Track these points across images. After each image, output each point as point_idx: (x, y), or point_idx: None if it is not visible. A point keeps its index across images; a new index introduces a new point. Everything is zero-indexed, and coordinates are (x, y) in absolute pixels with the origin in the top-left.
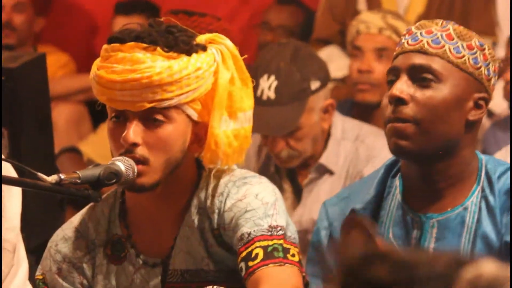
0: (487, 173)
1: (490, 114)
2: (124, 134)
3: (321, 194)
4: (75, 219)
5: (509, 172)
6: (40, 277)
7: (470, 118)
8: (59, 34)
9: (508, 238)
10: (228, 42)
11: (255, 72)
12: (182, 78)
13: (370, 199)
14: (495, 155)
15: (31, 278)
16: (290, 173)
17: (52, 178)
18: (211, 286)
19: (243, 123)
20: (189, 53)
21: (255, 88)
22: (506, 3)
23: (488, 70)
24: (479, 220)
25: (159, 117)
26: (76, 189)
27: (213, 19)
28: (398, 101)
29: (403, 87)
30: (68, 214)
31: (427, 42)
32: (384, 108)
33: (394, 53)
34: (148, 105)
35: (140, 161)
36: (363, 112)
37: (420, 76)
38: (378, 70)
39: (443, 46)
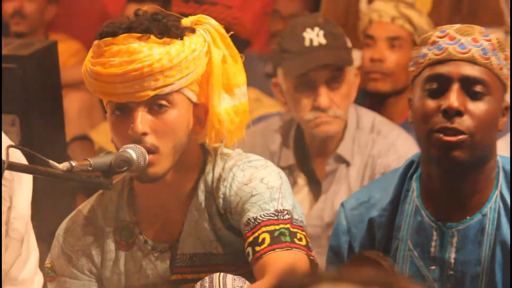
0: (505, 175)
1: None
2: (132, 125)
3: (341, 187)
4: (83, 207)
5: None
6: (49, 265)
7: (500, 128)
8: (70, 22)
9: None
10: (213, 21)
11: (293, 31)
12: (181, 61)
13: (386, 205)
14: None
15: (42, 265)
16: (306, 165)
17: (64, 166)
18: (218, 274)
19: (240, 98)
20: (181, 37)
21: (302, 41)
22: None
23: (508, 71)
24: (498, 226)
25: (163, 103)
26: (88, 176)
27: (224, 7)
28: (456, 113)
29: (460, 98)
30: (79, 201)
31: (477, 52)
32: (426, 115)
33: (434, 56)
34: (152, 93)
35: (150, 150)
36: (375, 101)
37: (473, 87)
38: (391, 59)
39: (490, 57)
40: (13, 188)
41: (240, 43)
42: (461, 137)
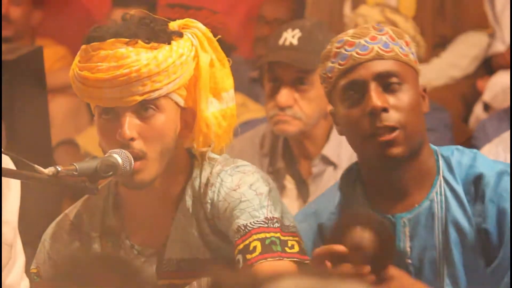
0: (445, 161)
1: (487, 107)
2: (120, 130)
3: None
4: (70, 212)
5: (477, 162)
6: (35, 270)
7: (424, 110)
8: (56, 27)
9: (487, 226)
10: (200, 25)
11: (279, 29)
12: (169, 66)
13: (333, 209)
14: (485, 147)
15: (28, 271)
16: (292, 167)
17: (49, 170)
18: (207, 278)
19: (228, 103)
20: (169, 42)
21: (278, 39)
22: None
23: (415, 57)
24: (447, 208)
25: (151, 108)
26: (73, 181)
27: (209, 12)
28: (382, 111)
29: (380, 96)
30: (65, 206)
31: (379, 48)
32: (353, 124)
33: (339, 67)
34: (140, 98)
35: (138, 156)
36: None
37: (387, 81)
38: None
39: (392, 48)
40: (2, 193)
41: (226, 48)
42: (395, 133)
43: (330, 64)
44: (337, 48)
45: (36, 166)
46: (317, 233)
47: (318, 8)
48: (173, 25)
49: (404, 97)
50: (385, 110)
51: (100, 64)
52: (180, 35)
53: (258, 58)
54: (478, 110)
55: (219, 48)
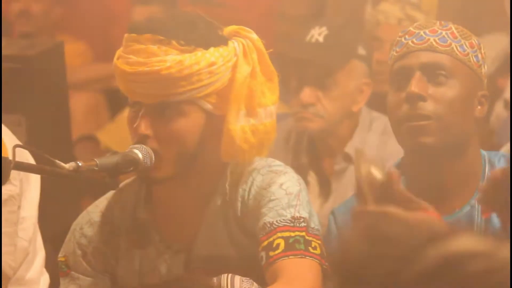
0: (491, 168)
1: (508, 105)
2: (135, 125)
3: (351, 187)
4: (101, 203)
5: (503, 159)
6: (63, 259)
7: (476, 114)
8: (76, 23)
9: None
10: (253, 35)
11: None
12: (193, 73)
13: None
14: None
15: (48, 266)
16: (315, 163)
17: (70, 165)
18: (226, 275)
19: (263, 119)
20: (206, 47)
21: (305, 36)
22: None
23: (485, 68)
24: (488, 217)
25: (170, 110)
26: (94, 176)
27: (231, 9)
28: (418, 98)
29: (420, 84)
30: (85, 202)
31: (435, 41)
32: (393, 107)
33: (395, 54)
34: (156, 100)
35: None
36: (381, 102)
37: (434, 73)
38: None
39: (450, 44)
40: (22, 188)
41: None
42: (425, 122)
43: (391, 52)
44: (400, 36)
45: (57, 161)
46: None
47: (339, 5)
48: (226, 31)
49: (448, 91)
50: (422, 98)
51: (131, 56)
52: (225, 42)
53: (278, 55)
54: (498, 108)
55: (269, 62)
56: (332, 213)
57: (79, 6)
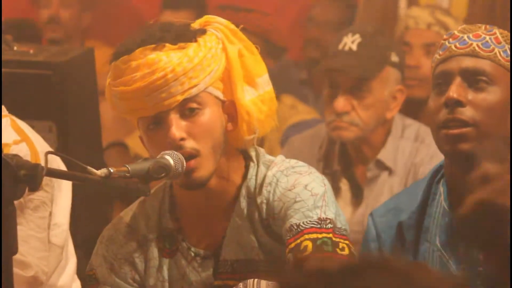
0: None
1: None
2: (168, 133)
3: (383, 194)
4: (125, 214)
5: None
6: (91, 273)
7: None
8: (106, 29)
9: None
10: (220, 19)
11: (340, 33)
12: (201, 60)
13: (415, 208)
14: None
15: (79, 272)
16: (348, 170)
17: (102, 172)
18: (252, 280)
19: (264, 87)
20: (194, 39)
21: (338, 44)
22: None
23: None
24: None
25: (194, 105)
26: (126, 182)
27: (260, 14)
28: (456, 104)
29: (460, 90)
30: (116, 208)
31: (478, 46)
32: (433, 112)
33: (438, 57)
34: (181, 98)
35: (191, 155)
36: (411, 107)
37: (474, 78)
38: (426, 66)
39: (493, 49)
40: (54, 195)
41: (276, 50)
42: (464, 129)
43: (435, 55)
44: (444, 39)
45: (88, 167)
46: (396, 231)
47: (370, 11)
48: (195, 25)
49: (488, 97)
50: (460, 103)
51: (134, 74)
52: (204, 32)
53: (308, 61)
54: None
55: (244, 36)
56: (371, 214)
57: (108, 11)
